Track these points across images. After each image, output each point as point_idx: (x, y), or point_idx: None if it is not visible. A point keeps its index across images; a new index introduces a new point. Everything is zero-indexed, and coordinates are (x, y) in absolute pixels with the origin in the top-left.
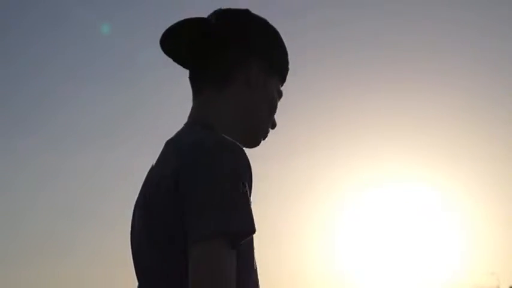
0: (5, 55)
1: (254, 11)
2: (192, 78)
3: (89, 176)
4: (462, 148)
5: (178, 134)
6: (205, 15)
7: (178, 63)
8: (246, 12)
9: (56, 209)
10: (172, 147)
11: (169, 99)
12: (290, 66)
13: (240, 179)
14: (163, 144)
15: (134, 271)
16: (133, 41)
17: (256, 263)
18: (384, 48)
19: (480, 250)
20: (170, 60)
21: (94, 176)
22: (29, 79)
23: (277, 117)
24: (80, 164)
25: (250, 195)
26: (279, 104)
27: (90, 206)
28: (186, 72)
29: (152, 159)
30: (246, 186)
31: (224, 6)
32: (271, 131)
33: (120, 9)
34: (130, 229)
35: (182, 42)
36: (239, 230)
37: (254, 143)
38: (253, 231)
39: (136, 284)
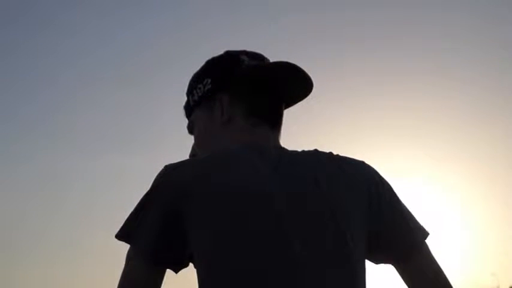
0: (23, 57)
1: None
2: (280, 117)
3: (91, 178)
4: (463, 148)
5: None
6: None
7: (286, 99)
8: None
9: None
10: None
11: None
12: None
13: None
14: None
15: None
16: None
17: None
18: (384, 47)
19: (480, 250)
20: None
21: (96, 179)
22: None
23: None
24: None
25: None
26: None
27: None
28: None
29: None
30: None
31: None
32: None
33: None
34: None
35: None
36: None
37: None
38: (118, 236)
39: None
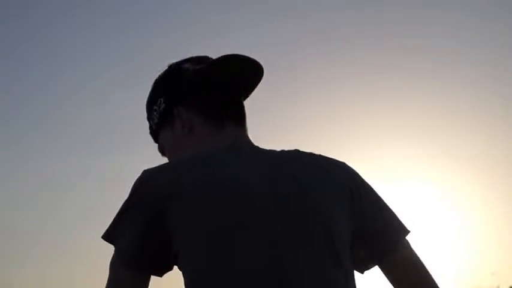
0: (30, 54)
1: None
2: (241, 111)
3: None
4: (464, 148)
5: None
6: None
7: (239, 91)
8: None
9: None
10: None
11: None
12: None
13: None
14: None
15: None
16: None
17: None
18: (384, 47)
19: (480, 250)
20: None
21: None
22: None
23: (276, 115)
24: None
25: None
26: (279, 103)
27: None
28: None
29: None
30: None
31: None
32: None
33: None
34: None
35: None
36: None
37: None
38: (104, 237)
39: None
